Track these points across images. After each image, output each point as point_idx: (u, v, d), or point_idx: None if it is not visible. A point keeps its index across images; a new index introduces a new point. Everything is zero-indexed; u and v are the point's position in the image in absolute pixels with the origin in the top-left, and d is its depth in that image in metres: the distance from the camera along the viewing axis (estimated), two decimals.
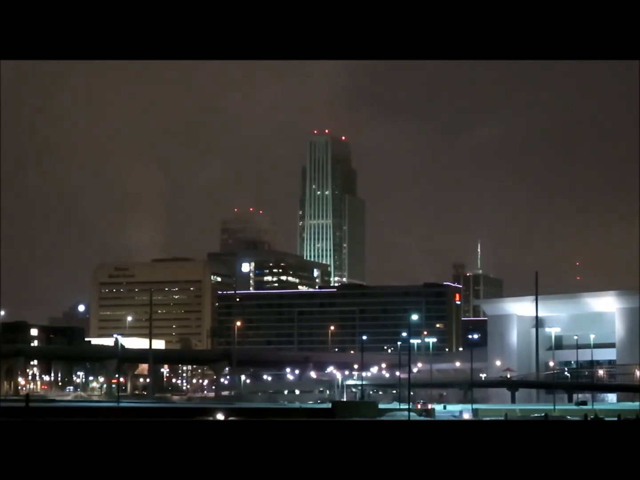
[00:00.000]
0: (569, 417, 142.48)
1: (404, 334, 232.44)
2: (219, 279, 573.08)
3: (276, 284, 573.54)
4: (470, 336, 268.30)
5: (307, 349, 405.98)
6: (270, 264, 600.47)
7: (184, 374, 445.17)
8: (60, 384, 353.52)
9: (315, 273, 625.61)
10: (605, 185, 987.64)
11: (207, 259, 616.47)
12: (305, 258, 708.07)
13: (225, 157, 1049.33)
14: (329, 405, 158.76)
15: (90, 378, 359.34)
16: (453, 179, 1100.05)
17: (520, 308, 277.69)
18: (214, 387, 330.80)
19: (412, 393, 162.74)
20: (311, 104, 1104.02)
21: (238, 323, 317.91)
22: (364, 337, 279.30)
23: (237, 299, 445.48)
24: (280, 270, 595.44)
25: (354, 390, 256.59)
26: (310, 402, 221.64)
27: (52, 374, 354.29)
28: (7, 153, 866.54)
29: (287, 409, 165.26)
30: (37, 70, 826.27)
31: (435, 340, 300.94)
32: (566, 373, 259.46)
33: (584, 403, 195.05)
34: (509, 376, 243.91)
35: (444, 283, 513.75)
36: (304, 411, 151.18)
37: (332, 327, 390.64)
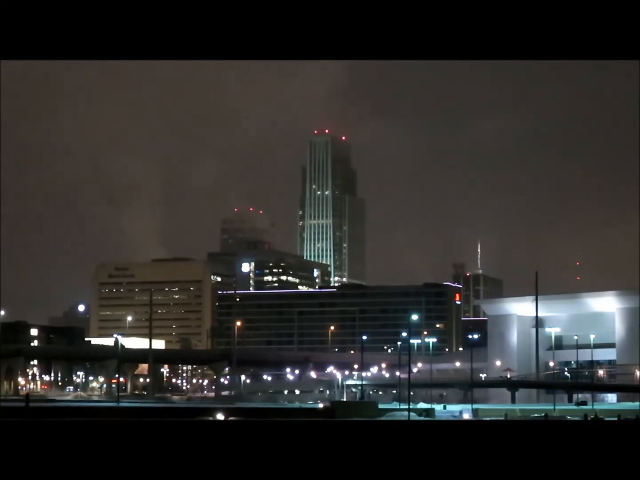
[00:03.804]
0: (569, 417, 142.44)
1: (404, 334, 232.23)
2: (219, 279, 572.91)
3: (276, 284, 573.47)
4: (470, 336, 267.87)
5: (307, 349, 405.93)
6: (270, 264, 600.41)
7: (184, 374, 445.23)
8: (60, 384, 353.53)
9: (315, 273, 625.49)
10: (606, 185, 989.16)
11: (207, 259, 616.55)
12: (305, 258, 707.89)
13: (225, 157, 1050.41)
14: (329, 405, 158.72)
15: (90, 378, 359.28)
16: (453, 179, 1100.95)
17: (520, 308, 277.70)
18: (214, 387, 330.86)
19: (412, 393, 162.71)
20: (311, 104, 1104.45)
21: (238, 323, 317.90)
22: (364, 337, 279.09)
23: (237, 299, 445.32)
24: (280, 270, 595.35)
25: (354, 390, 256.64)
26: (310, 402, 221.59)
27: (52, 374, 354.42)
28: (6, 152, 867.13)
29: (287, 409, 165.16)
30: (37, 69, 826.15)
31: (435, 340, 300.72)
32: (566, 373, 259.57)
33: (584, 403, 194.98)
34: (509, 376, 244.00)
35: (444, 283, 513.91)
36: (304, 411, 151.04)
37: (332, 327, 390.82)
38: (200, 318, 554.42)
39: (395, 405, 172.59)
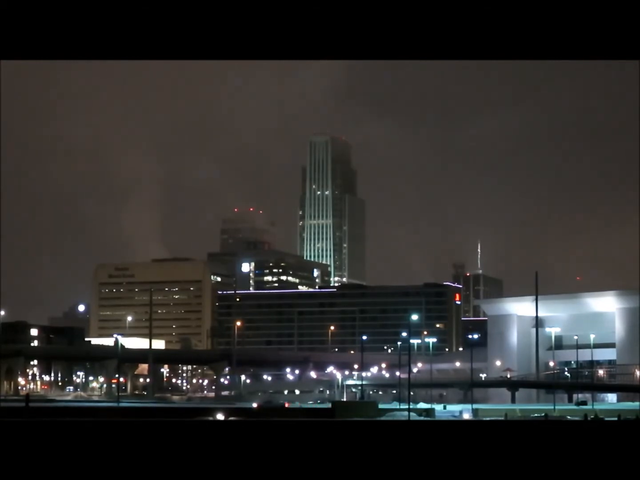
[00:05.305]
0: (569, 417, 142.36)
1: (404, 334, 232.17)
2: (219, 279, 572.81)
3: (276, 284, 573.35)
4: (470, 336, 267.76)
5: (307, 349, 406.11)
6: (270, 264, 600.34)
7: (184, 374, 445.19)
8: (60, 384, 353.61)
9: (315, 273, 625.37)
10: (606, 185, 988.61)
11: (207, 259, 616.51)
12: (305, 258, 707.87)
13: (225, 157, 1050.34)
14: (329, 405, 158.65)
15: (90, 378, 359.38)
16: (453, 179, 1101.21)
17: (520, 308, 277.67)
18: (214, 387, 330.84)
19: (412, 393, 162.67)
20: (311, 104, 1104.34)
21: (238, 323, 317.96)
22: (364, 337, 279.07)
23: (237, 299, 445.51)
24: (280, 270, 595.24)
25: (354, 390, 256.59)
26: (310, 402, 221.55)
27: (52, 374, 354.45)
28: (6, 153, 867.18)
29: (287, 409, 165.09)
30: (37, 69, 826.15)
31: (435, 340, 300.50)
32: (566, 373, 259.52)
33: (584, 403, 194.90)
34: (509, 376, 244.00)
35: (444, 283, 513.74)
36: (304, 411, 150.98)
37: (332, 327, 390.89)
38: (200, 318, 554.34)
39: (395, 405, 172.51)
